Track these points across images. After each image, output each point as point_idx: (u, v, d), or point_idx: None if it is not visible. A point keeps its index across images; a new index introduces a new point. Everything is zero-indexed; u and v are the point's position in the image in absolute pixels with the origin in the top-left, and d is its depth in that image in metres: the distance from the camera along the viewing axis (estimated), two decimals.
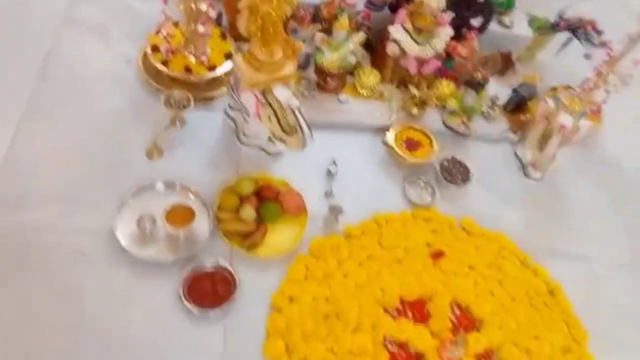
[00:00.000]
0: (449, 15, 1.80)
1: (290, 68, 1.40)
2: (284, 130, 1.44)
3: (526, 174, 1.82)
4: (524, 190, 1.81)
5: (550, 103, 1.68)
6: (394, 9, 1.83)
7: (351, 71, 1.83)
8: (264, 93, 1.41)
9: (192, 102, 1.57)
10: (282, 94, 1.40)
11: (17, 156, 1.47)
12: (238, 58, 1.40)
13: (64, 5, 1.84)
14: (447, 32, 1.75)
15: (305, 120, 1.43)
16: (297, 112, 1.41)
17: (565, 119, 1.61)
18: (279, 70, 1.39)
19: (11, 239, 1.34)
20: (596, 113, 2.04)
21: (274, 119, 1.43)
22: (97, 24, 1.81)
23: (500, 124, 1.91)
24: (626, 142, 2.05)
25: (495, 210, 1.71)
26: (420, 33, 1.75)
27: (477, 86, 1.78)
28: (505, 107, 1.96)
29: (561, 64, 2.08)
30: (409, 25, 1.74)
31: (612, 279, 1.66)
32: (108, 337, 1.25)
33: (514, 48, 2.09)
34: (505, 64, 2.09)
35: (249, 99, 1.43)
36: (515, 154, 1.86)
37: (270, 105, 1.42)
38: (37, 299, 1.27)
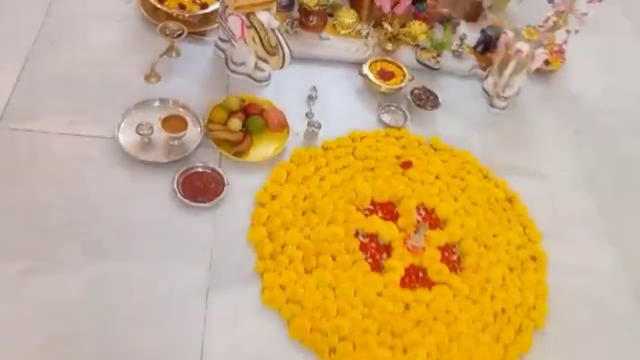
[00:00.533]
0: None
1: None
2: (267, 51, 1.62)
3: (491, 104, 2.00)
4: (489, 117, 1.99)
5: (510, 34, 1.85)
6: None
7: (331, 13, 2.01)
8: (248, 16, 1.58)
9: (185, 32, 1.74)
10: (264, 16, 1.58)
11: (29, 77, 1.65)
12: None
13: None
14: None
15: (285, 40, 1.60)
16: (277, 33, 1.59)
17: (521, 45, 1.78)
18: None
19: (23, 144, 1.52)
20: (559, 53, 2.22)
21: (257, 40, 1.60)
22: None
23: (470, 62, 2.08)
24: (585, 79, 2.22)
25: (461, 133, 1.88)
26: None
27: (445, 21, 1.95)
28: (475, 47, 2.13)
29: (530, 12, 2.25)
30: None
31: (565, 192, 1.83)
32: (110, 225, 1.42)
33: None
34: (476, 11, 2.26)
35: (235, 23, 1.60)
36: (483, 87, 2.03)
37: (254, 27, 1.59)
38: (46, 193, 1.44)
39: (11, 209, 1.39)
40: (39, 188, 1.44)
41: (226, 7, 1.62)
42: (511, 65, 1.82)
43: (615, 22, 2.58)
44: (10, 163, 1.47)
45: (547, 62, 2.18)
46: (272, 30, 1.58)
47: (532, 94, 2.11)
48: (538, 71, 2.14)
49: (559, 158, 1.94)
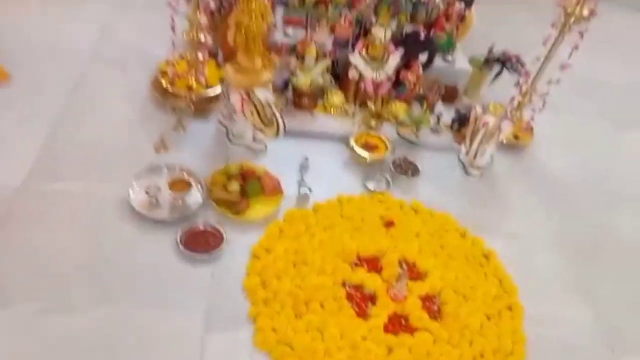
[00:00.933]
0: (400, 51, 2.27)
1: (267, 75, 1.83)
2: (263, 122, 1.85)
3: (467, 173, 2.20)
4: (466, 184, 2.18)
5: (478, 109, 2.09)
6: (354, 46, 2.30)
7: (322, 94, 2.27)
8: (247, 93, 1.82)
9: (192, 108, 1.99)
10: (261, 93, 1.82)
11: (54, 143, 1.87)
12: (228, 66, 1.83)
13: (94, 42, 2.32)
14: (395, 58, 2.21)
15: (280, 114, 1.83)
16: (273, 107, 1.83)
17: (487, 118, 2.02)
18: (259, 76, 1.82)
19: (46, 201, 1.69)
20: (528, 130, 2.46)
21: (255, 113, 1.84)
22: (117, 58, 2.27)
23: (446, 137, 2.32)
24: (553, 153, 2.46)
25: (440, 197, 2.07)
26: (374, 60, 2.21)
27: (422, 99, 2.20)
28: (451, 127, 2.37)
29: (500, 93, 2.52)
30: (365, 54, 2.20)
31: (537, 251, 1.99)
32: (118, 273, 1.56)
33: (459, 80, 2.55)
34: (452, 94, 2.54)
35: (236, 99, 1.84)
36: (459, 158, 2.25)
37: (252, 102, 1.83)
38: (63, 243, 1.60)
39: (30, 255, 1.54)
40: (57, 238, 1.60)
41: (229, 85, 1.87)
42: (479, 136, 2.04)
43: (579, 103, 2.87)
44: (33, 216, 1.64)
45: (517, 137, 2.43)
46: (268, 104, 1.82)
47: (505, 165, 2.33)
48: (510, 145, 2.39)
49: (529, 221, 2.11)
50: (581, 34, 2.09)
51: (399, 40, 2.33)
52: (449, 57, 2.53)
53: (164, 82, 2.12)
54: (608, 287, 1.92)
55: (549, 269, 1.95)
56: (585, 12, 2.04)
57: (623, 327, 1.79)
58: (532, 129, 2.47)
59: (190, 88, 2.10)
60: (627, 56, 3.54)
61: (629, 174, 2.50)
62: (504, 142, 2.39)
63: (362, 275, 1.69)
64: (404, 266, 1.76)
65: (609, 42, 3.63)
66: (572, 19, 2.06)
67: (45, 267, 1.51)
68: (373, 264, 1.76)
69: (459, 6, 2.54)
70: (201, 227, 1.71)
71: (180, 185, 1.76)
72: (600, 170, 2.47)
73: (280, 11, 2.48)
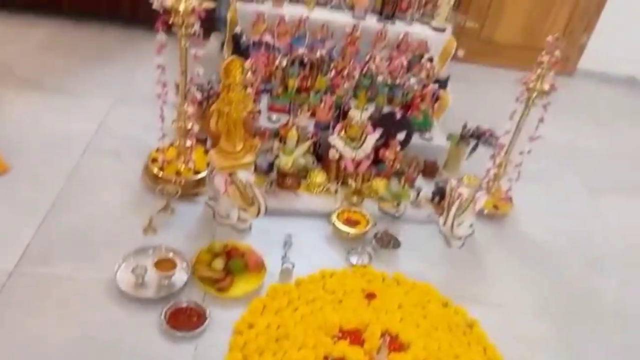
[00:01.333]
0: (377, 131, 2.42)
1: (248, 158, 1.96)
2: (245, 203, 1.94)
3: (448, 244, 2.26)
4: (447, 255, 2.23)
5: (454, 182, 2.19)
6: (334, 128, 2.44)
7: (305, 174, 2.38)
8: (230, 175, 1.93)
9: (179, 192, 2.09)
10: (243, 175, 1.93)
11: (47, 228, 1.95)
12: (212, 151, 1.96)
13: (92, 134, 2.47)
14: (372, 138, 2.34)
15: (261, 194, 1.93)
16: (254, 188, 1.93)
17: (462, 190, 2.11)
18: (241, 159, 1.94)
19: (37, 284, 1.75)
20: (507, 200, 2.55)
21: (237, 194, 1.94)
22: (113, 148, 2.42)
23: (427, 210, 2.40)
24: (533, 221, 2.52)
25: (422, 269, 2.12)
26: (353, 140, 2.34)
27: (401, 175, 2.31)
28: (432, 200, 2.46)
29: (478, 166, 2.63)
30: (344, 135, 2.34)
31: (521, 318, 2.00)
32: (105, 352, 1.60)
33: (438, 156, 2.67)
34: (432, 169, 2.65)
35: (220, 181, 1.95)
36: (440, 230, 2.32)
37: (235, 183, 1.93)
38: (47, 322, 1.64)
39: (19, 337, 1.58)
40: (45, 321, 1.64)
41: (213, 168, 1.99)
42: (454, 207, 2.12)
43: (557, 171, 2.98)
44: (23, 299, 1.70)
45: (496, 207, 2.51)
46: (250, 185, 1.92)
47: (486, 234, 2.39)
48: (491, 215, 2.46)
49: (512, 288, 2.14)
50: (544, 107, 2.23)
51: (377, 121, 2.48)
52: (427, 135, 2.67)
53: (154, 168, 2.24)
54: (595, 353, 1.92)
55: (534, 336, 1.96)
56: (546, 87, 2.19)
57: None
58: (511, 199, 2.55)
59: (179, 173, 2.22)
60: (603, 125, 3.70)
61: (608, 239, 2.55)
62: (485, 212, 2.48)
63: (344, 349, 1.70)
64: (386, 337, 1.77)
65: (585, 111, 3.84)
66: (535, 94, 2.20)
67: (33, 349, 1.55)
68: (355, 337, 1.77)
69: (433, 87, 2.72)
70: (185, 305, 1.76)
71: (165, 264, 1.83)
72: (580, 236, 2.53)
73: (265, 99, 2.65)
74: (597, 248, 2.48)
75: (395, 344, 1.77)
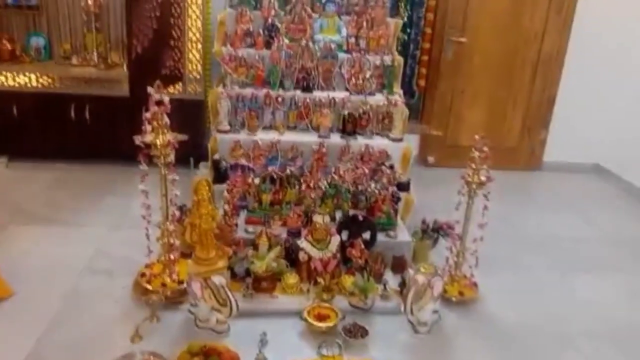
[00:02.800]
0: (344, 233, 2.70)
1: (221, 263, 2.22)
2: (219, 303, 2.17)
3: (415, 331, 2.43)
4: (415, 342, 2.39)
5: (411, 271, 2.42)
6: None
7: (279, 278, 2.62)
8: (205, 280, 2.19)
9: (163, 301, 2.33)
10: (216, 279, 2.19)
11: (43, 345, 2.18)
12: (189, 261, 2.23)
13: (88, 258, 2.77)
14: (336, 239, 2.62)
15: (233, 295, 2.17)
16: (226, 289, 2.17)
17: (418, 277, 2.33)
18: (214, 265, 2.22)
19: None
20: (472, 285, 2.74)
21: (212, 296, 2.18)
22: (106, 268, 2.70)
23: (395, 301, 2.59)
24: (500, 305, 2.69)
25: (390, 356, 2.27)
26: (319, 242, 2.61)
27: (361, 270, 2.54)
28: (400, 292, 2.66)
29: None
30: (310, 238, 2.61)
31: None
32: None
33: (405, 251, 2.90)
34: (400, 263, 2.87)
35: (196, 286, 2.20)
36: (408, 319, 2.49)
37: (209, 287, 2.18)
38: None
39: None
40: None
41: (191, 275, 2.25)
42: (411, 292, 2.33)
43: (527, 259, 3.18)
44: None
45: (462, 294, 2.70)
46: (222, 287, 2.17)
47: (453, 320, 2.56)
48: (458, 302, 2.64)
49: None
50: (486, 197, 2.53)
51: (342, 223, 2.77)
52: (392, 233, 2.93)
53: (143, 282, 2.51)
54: None
55: None
56: (483, 178, 2.50)
57: None
58: (475, 284, 2.74)
59: (164, 284, 2.48)
60: (571, 211, 3.95)
61: (576, 315, 2.68)
62: (453, 300, 2.67)
63: None
64: None
65: (553, 200, 4.12)
66: (474, 186, 2.50)
67: None
68: None
69: (393, 190, 3.03)
70: None
71: None
72: (548, 315, 2.67)
73: (243, 214, 2.97)
74: (565, 326, 2.61)
75: None
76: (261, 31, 3.61)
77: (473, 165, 2.55)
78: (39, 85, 3.97)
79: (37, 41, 4.17)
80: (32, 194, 3.57)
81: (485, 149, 2.54)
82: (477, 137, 2.58)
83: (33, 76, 3.95)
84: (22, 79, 3.95)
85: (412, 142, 4.43)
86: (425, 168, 4.58)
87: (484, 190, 2.57)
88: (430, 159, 4.61)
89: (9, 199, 3.46)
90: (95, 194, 3.62)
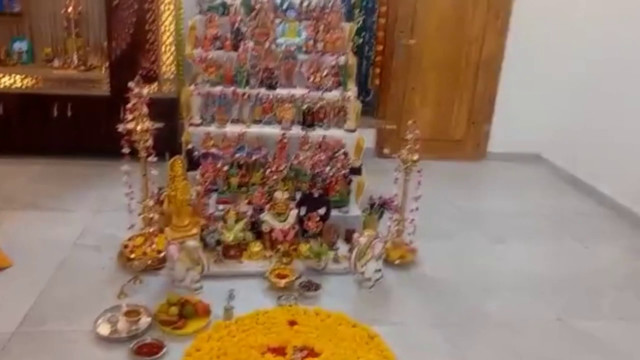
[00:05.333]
0: (302, 208, 3.13)
1: (194, 230, 2.63)
2: (193, 263, 2.58)
3: (362, 286, 2.87)
4: (360, 295, 2.83)
5: (356, 235, 2.86)
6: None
7: (245, 247, 3.03)
8: (180, 243, 2.59)
9: (145, 267, 2.72)
10: (190, 242, 2.59)
11: (43, 300, 2.54)
12: (167, 228, 2.63)
13: (77, 236, 3.15)
14: (294, 212, 3.05)
15: (204, 256, 2.58)
16: (199, 251, 2.58)
17: (360, 239, 2.78)
18: (188, 231, 2.62)
19: (34, 339, 2.31)
20: (412, 251, 3.19)
21: (186, 258, 2.58)
22: (94, 244, 3.08)
23: (344, 264, 3.03)
24: (436, 266, 3.16)
25: (338, 305, 2.70)
26: (280, 215, 3.04)
27: (316, 236, 2.98)
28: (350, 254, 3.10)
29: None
30: (272, 212, 3.04)
31: (418, 332, 2.57)
32: None
33: (356, 224, 3.34)
34: (351, 235, 3.30)
35: (173, 249, 2.60)
36: (355, 277, 2.93)
37: (185, 249, 2.58)
38: None
39: None
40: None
41: (168, 240, 2.65)
42: (355, 251, 2.77)
43: (463, 231, 3.65)
44: (25, 350, 2.27)
45: (402, 257, 3.15)
46: (195, 249, 2.58)
47: (395, 278, 3.00)
48: (400, 264, 3.09)
49: (412, 312, 2.72)
50: (419, 172, 2.98)
51: (301, 200, 3.20)
52: (344, 209, 3.38)
53: (126, 252, 2.89)
54: (479, 356, 2.46)
55: (427, 345, 2.50)
56: (415, 157, 2.95)
57: None
58: (414, 250, 3.20)
59: (144, 253, 2.87)
60: (510, 194, 4.45)
61: (500, 272, 3.16)
62: (396, 262, 3.12)
63: (269, 359, 2.26)
64: (305, 352, 2.33)
65: (494, 185, 4.62)
66: (408, 163, 2.96)
67: None
68: (279, 351, 2.33)
69: (346, 173, 3.47)
70: (148, 341, 2.32)
71: (133, 313, 2.41)
72: (476, 272, 3.14)
73: (215, 196, 3.37)
74: (490, 279, 3.08)
75: (312, 353, 2.33)
76: (229, 35, 4.02)
77: (407, 146, 3.00)
78: (23, 86, 4.30)
79: (20, 45, 4.50)
80: (20, 185, 3.91)
81: (417, 132, 2.99)
82: (409, 122, 3.03)
83: (17, 77, 4.28)
84: (6, 81, 4.28)
85: (369, 136, 4.95)
86: (382, 158, 5.03)
87: (417, 167, 3.03)
88: (386, 151, 5.06)
89: None
90: (79, 184, 3.97)
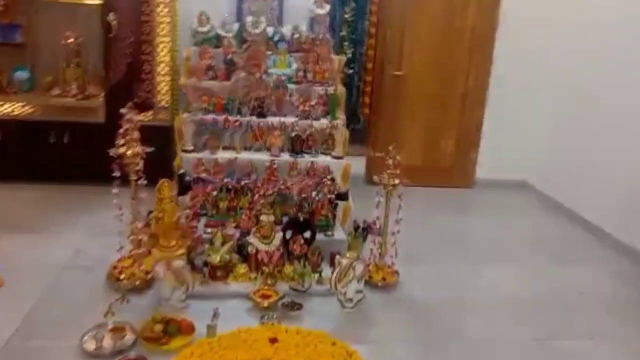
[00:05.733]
0: (288, 232, 3.23)
1: (180, 250, 2.73)
2: (179, 282, 2.67)
3: (343, 307, 2.95)
4: (342, 315, 2.91)
5: (338, 257, 2.95)
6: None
7: (232, 269, 3.12)
8: (167, 264, 2.69)
9: (132, 286, 2.81)
10: (176, 263, 2.69)
11: (32, 319, 2.62)
12: (154, 249, 2.73)
13: (68, 259, 3.24)
14: (279, 235, 3.15)
15: (189, 276, 2.67)
16: (183, 271, 2.67)
17: (341, 260, 2.87)
18: (175, 252, 2.71)
19: (23, 354, 2.39)
20: (394, 273, 3.28)
21: (172, 277, 2.67)
22: (85, 265, 3.17)
23: (327, 286, 3.11)
24: (417, 288, 3.23)
25: (319, 325, 2.77)
26: (265, 238, 3.14)
27: (301, 258, 3.07)
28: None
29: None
30: (258, 235, 3.14)
31: (397, 349, 2.64)
32: None
33: (341, 248, 3.43)
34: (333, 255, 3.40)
35: (160, 269, 2.70)
36: (337, 298, 3.01)
37: (171, 269, 2.68)
38: None
39: None
40: None
41: (156, 261, 2.74)
42: (336, 272, 2.86)
43: (445, 254, 3.74)
44: None
45: (384, 279, 3.24)
46: (181, 269, 2.67)
47: (377, 300, 3.08)
48: (382, 287, 3.17)
49: (391, 331, 2.80)
50: (400, 197, 3.09)
51: (287, 224, 3.30)
52: (329, 233, 3.48)
53: (115, 272, 2.98)
54: None
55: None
56: (396, 181, 3.07)
57: None
58: (396, 272, 3.29)
59: (133, 274, 2.96)
60: (494, 219, 4.56)
61: (479, 292, 3.25)
62: (379, 284, 3.20)
63: None
64: None
65: (479, 210, 4.73)
66: (389, 188, 3.07)
67: None
68: None
69: (331, 198, 3.58)
70: (132, 356, 2.40)
71: (118, 330, 2.49)
72: (456, 293, 3.23)
73: (203, 220, 3.48)
74: (469, 300, 3.17)
75: None
76: (221, 65, 4.20)
77: (388, 171, 3.12)
78: (23, 113, 4.45)
79: (22, 74, 4.67)
80: (15, 209, 4.02)
81: (398, 157, 3.12)
82: (390, 147, 3.16)
83: (17, 105, 4.43)
84: (7, 108, 4.43)
85: (359, 164, 5.09)
86: (372, 186, 5.12)
87: (398, 192, 3.14)
88: (375, 178, 5.16)
89: None
90: (72, 209, 4.08)
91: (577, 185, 4.57)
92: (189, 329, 2.59)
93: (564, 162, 4.81)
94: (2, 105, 4.43)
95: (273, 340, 2.57)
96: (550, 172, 5.01)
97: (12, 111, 4.44)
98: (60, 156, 4.40)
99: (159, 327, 2.54)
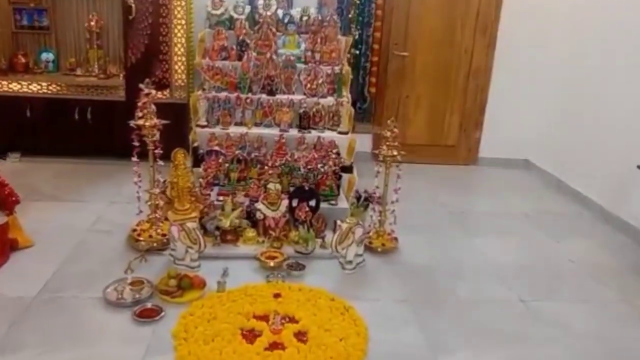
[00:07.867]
0: (295, 200, 3.46)
1: (194, 213, 2.98)
2: (192, 242, 2.92)
3: (343, 268, 3.18)
4: (342, 276, 3.14)
5: (338, 222, 3.18)
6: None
7: (241, 233, 3.37)
8: (181, 224, 2.94)
9: (150, 247, 3.07)
10: (190, 224, 2.94)
11: (61, 273, 2.90)
12: (170, 211, 2.98)
13: (91, 224, 3.52)
14: (285, 203, 3.38)
15: (202, 236, 2.92)
16: (197, 232, 2.92)
17: (342, 225, 3.09)
18: (188, 214, 2.96)
19: (52, 304, 2.67)
20: (393, 239, 3.50)
21: (186, 237, 2.93)
22: (106, 229, 3.45)
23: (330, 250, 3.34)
24: (414, 254, 3.45)
25: (320, 283, 3.01)
26: (272, 205, 3.37)
27: (305, 224, 3.30)
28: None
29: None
30: (265, 202, 3.38)
31: (390, 306, 2.86)
32: (98, 335, 2.48)
33: (344, 216, 3.66)
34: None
35: (174, 230, 2.95)
36: (338, 260, 3.24)
37: (184, 230, 2.93)
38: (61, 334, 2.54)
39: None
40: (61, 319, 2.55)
41: (171, 222, 3.00)
42: (336, 235, 3.09)
43: (443, 226, 3.94)
44: (44, 311, 2.62)
45: (384, 245, 3.46)
46: (194, 230, 2.92)
47: (376, 263, 3.31)
48: (382, 252, 3.39)
49: (387, 290, 3.02)
50: (398, 167, 3.29)
51: (293, 193, 3.53)
52: (333, 202, 3.70)
53: (134, 235, 3.25)
54: (444, 330, 2.72)
55: (398, 317, 2.79)
56: (395, 152, 3.27)
57: (446, 343, 2.60)
58: (395, 238, 3.50)
59: (150, 236, 3.23)
60: (496, 197, 4.73)
61: (472, 259, 3.45)
62: (379, 250, 3.42)
63: (254, 323, 2.58)
64: (287, 319, 2.64)
65: (482, 188, 4.90)
66: (388, 159, 3.28)
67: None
68: (263, 318, 2.64)
69: (335, 169, 3.80)
70: (149, 307, 2.66)
71: (137, 284, 2.76)
72: (449, 259, 3.43)
73: (216, 189, 3.73)
74: (462, 267, 3.37)
75: (292, 320, 2.64)
76: (234, 46, 4.42)
77: (387, 143, 3.33)
78: (49, 92, 4.73)
79: (47, 56, 4.96)
80: (42, 180, 4.31)
81: (395, 130, 3.32)
82: (388, 121, 3.36)
83: (44, 84, 4.71)
84: (34, 87, 4.72)
85: (366, 141, 5.28)
86: (378, 162, 5.33)
87: (395, 162, 3.35)
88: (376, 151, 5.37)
89: (23, 183, 4.13)
90: (95, 180, 4.37)
91: (579, 163, 4.70)
92: (201, 284, 2.85)
93: (566, 141, 4.94)
94: (29, 84, 4.71)
95: (277, 296, 2.82)
96: (552, 151, 5.15)
97: (39, 90, 4.72)
98: (83, 132, 4.68)
99: (173, 282, 2.79)
